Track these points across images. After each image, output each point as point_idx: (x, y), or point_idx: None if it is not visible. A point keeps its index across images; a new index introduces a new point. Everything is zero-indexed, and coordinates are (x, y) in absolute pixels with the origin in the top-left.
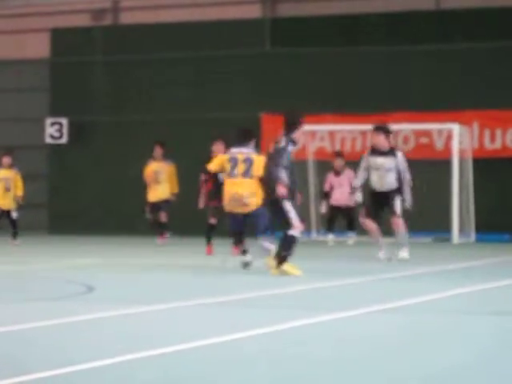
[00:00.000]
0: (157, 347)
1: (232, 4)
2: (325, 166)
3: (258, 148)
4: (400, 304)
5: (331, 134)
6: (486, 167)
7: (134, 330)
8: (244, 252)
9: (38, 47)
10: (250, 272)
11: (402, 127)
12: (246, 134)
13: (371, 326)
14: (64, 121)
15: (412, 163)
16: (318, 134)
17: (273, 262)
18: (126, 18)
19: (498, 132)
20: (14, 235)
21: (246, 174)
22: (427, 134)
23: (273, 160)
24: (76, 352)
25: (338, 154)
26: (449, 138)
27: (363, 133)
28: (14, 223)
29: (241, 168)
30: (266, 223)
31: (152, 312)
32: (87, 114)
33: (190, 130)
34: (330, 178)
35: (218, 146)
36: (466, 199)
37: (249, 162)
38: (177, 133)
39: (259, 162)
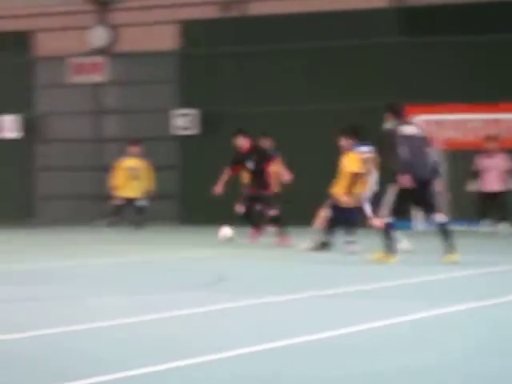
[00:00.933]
0: (285, 338)
1: None
2: (454, 155)
3: None
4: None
5: (460, 123)
6: None
7: (267, 319)
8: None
9: (168, 39)
10: (364, 263)
11: None
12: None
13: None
14: (194, 112)
15: None
16: (447, 124)
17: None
18: (255, 9)
19: None
20: (138, 223)
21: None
22: None
23: (426, 145)
24: (216, 340)
25: (491, 137)
26: None
27: (489, 121)
28: (139, 211)
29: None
30: None
31: (285, 302)
32: (217, 105)
33: (315, 121)
34: (482, 159)
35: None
36: None
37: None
38: (303, 123)
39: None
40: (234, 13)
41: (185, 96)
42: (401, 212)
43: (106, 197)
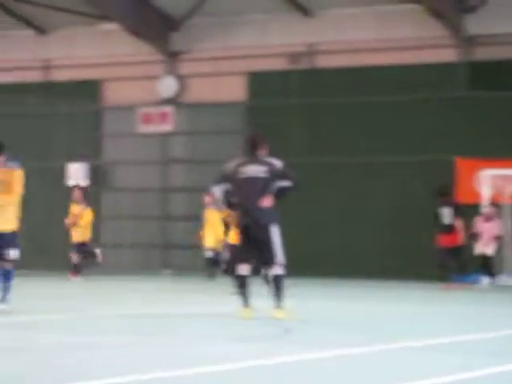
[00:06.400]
0: None
1: (428, 47)
2: None
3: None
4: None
5: None
6: None
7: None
8: None
9: (235, 90)
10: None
11: None
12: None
13: None
14: None
15: None
16: None
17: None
18: (322, 62)
19: None
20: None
21: None
22: None
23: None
24: None
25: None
26: None
27: None
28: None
29: None
30: None
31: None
32: (283, 156)
33: (382, 174)
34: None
35: None
36: None
37: None
38: (370, 176)
39: None
40: (301, 65)
41: None
42: None
43: (172, 246)
